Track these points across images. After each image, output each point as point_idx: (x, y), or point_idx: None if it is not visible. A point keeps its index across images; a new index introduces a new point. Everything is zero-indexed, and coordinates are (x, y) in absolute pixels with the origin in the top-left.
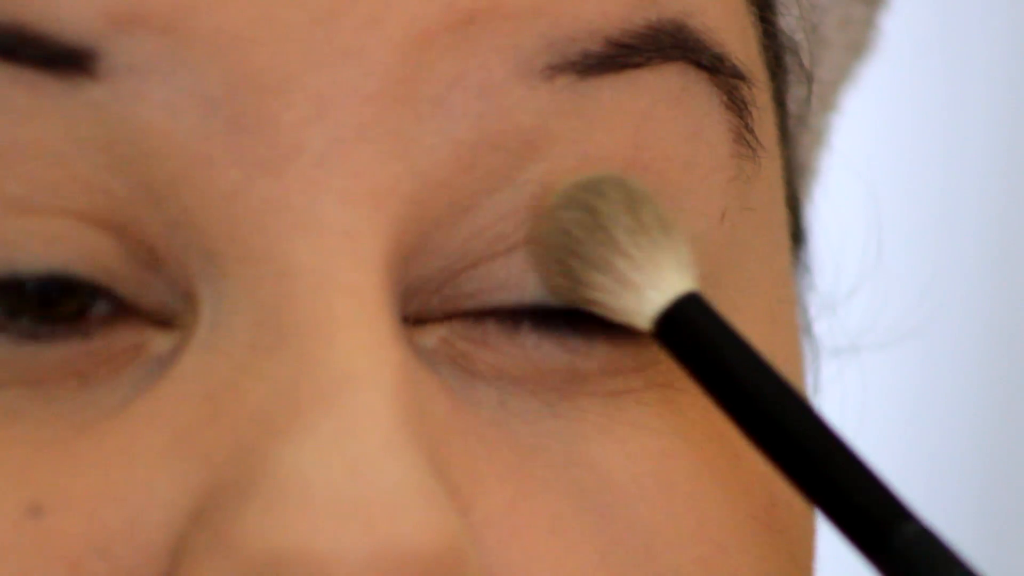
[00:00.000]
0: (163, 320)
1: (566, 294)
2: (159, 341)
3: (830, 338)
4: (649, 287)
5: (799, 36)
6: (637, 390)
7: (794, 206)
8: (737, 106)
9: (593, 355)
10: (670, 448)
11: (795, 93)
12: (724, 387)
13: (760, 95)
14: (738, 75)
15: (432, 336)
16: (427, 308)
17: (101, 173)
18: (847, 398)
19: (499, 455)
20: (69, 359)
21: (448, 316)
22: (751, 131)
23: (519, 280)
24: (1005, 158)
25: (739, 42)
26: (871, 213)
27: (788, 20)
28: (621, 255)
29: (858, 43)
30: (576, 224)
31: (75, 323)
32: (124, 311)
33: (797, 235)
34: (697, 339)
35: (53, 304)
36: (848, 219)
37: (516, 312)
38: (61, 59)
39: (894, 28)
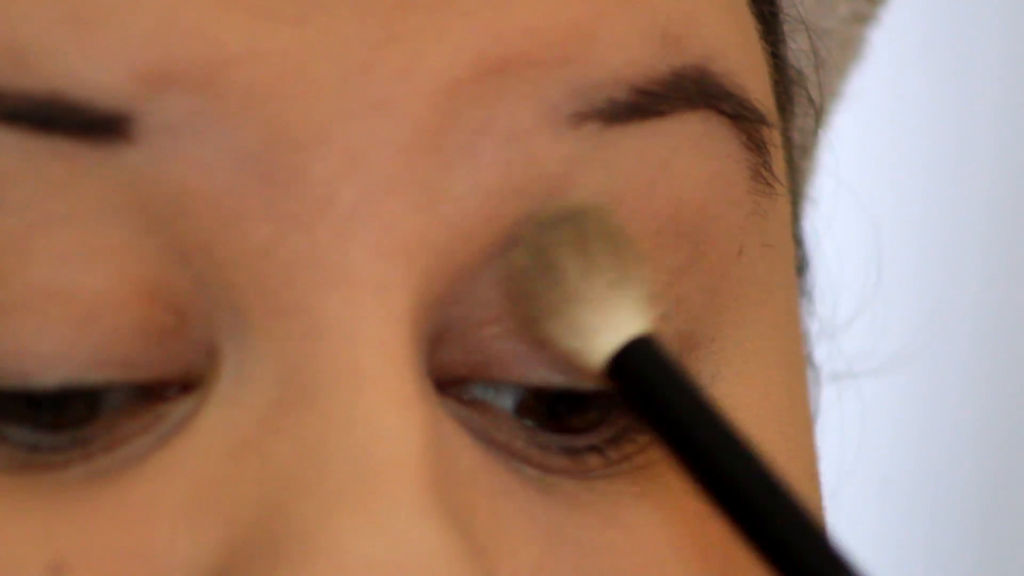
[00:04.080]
0: (184, 386)
1: (528, 333)
2: (178, 406)
3: (829, 363)
4: (601, 330)
5: (805, 67)
6: (662, 459)
7: (798, 237)
8: (756, 146)
9: (612, 457)
10: (703, 509)
11: (800, 124)
12: (671, 431)
13: (776, 133)
14: (759, 118)
15: (456, 412)
16: (450, 360)
17: (133, 236)
18: (846, 424)
19: (529, 514)
20: (79, 454)
21: (470, 371)
22: (769, 169)
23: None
24: (1005, 181)
25: (757, 81)
26: (871, 238)
27: (794, 50)
28: (573, 298)
29: (853, 61)
30: (529, 268)
31: (82, 426)
32: (137, 405)
33: (800, 264)
34: (644, 383)
35: (61, 412)
36: (848, 245)
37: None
38: (98, 126)
39: (895, 52)
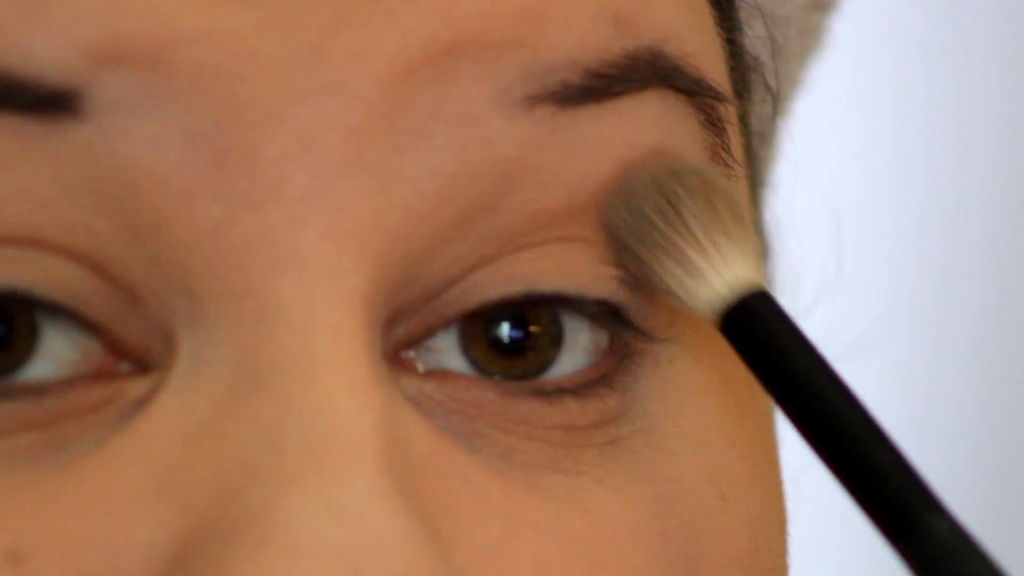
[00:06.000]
0: (141, 365)
1: (641, 280)
2: (134, 385)
3: None
4: (719, 280)
5: (762, 54)
6: (627, 437)
7: (758, 223)
8: (715, 125)
9: (588, 409)
10: (663, 494)
11: (758, 111)
12: (783, 382)
13: (732, 111)
14: (716, 96)
15: (418, 390)
16: (404, 335)
17: (85, 214)
18: None
19: (485, 498)
20: (32, 416)
21: (429, 330)
22: (727, 150)
23: (503, 280)
24: (975, 166)
25: (713, 64)
26: (831, 225)
27: (751, 37)
28: (697, 246)
29: (813, 49)
30: (655, 212)
31: (38, 385)
32: (92, 373)
33: (761, 252)
34: (762, 335)
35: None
36: (808, 232)
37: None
38: (46, 102)
39: (854, 40)
